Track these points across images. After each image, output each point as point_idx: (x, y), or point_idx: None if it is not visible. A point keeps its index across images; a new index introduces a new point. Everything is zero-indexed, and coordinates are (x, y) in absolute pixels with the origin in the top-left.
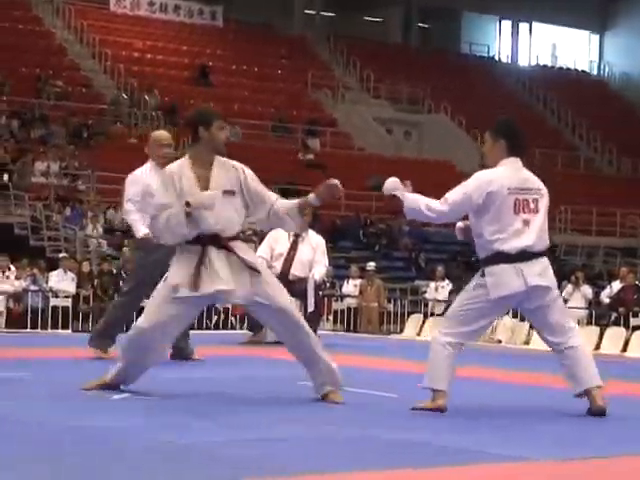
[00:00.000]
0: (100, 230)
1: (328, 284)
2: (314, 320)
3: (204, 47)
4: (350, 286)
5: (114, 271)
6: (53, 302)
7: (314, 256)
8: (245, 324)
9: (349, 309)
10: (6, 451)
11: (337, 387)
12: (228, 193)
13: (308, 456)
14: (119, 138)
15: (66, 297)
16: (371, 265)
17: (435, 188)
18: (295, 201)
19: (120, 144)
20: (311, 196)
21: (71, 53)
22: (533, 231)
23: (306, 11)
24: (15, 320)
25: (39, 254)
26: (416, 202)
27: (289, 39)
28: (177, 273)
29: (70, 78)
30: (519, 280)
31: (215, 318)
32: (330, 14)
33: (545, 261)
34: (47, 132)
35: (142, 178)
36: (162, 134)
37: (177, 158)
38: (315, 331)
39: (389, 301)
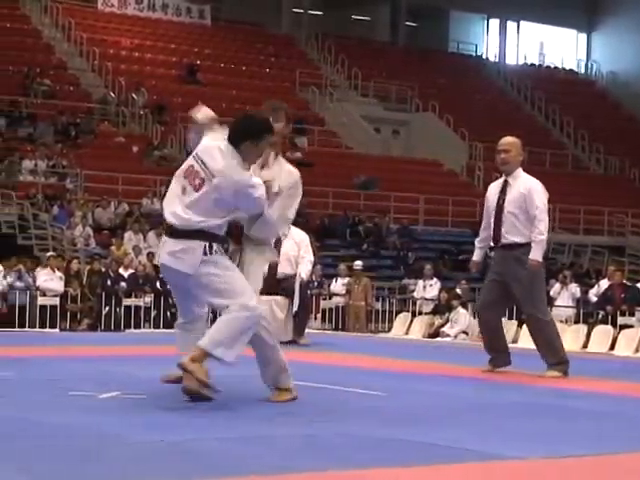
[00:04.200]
0: (88, 229)
1: (316, 283)
2: (302, 318)
3: (192, 46)
4: (338, 285)
5: (102, 270)
6: (41, 301)
7: (299, 252)
8: None
9: (337, 308)
10: None
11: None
12: None
13: (292, 454)
14: (107, 137)
15: (54, 296)
16: (358, 264)
17: (423, 186)
18: None
19: (108, 143)
20: None
21: (59, 51)
22: (182, 205)
23: (294, 10)
24: (2, 319)
25: (27, 253)
26: None
27: (277, 38)
28: None
29: (58, 76)
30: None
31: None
32: (318, 13)
33: (189, 243)
34: (35, 130)
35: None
36: (502, 140)
37: None
38: (303, 329)
39: (377, 300)
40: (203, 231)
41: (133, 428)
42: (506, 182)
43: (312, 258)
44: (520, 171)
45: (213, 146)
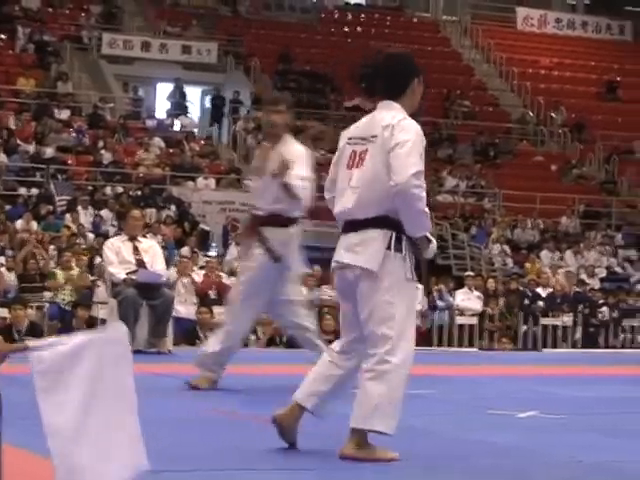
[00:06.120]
0: (505, 247)
1: None
2: None
3: (612, 62)
4: None
5: (520, 289)
6: (459, 320)
7: None
8: None
9: None
10: (421, 460)
11: None
12: None
13: None
14: (525, 156)
15: (472, 315)
16: None
17: None
18: None
19: (526, 162)
20: None
21: (478, 73)
22: (350, 191)
23: None
24: (422, 338)
25: (445, 272)
26: None
27: None
28: None
29: (477, 97)
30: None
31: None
32: None
33: (361, 234)
34: (454, 151)
35: None
36: None
37: None
38: None
39: None
40: (383, 217)
41: (551, 448)
42: None
43: None
44: None
45: (366, 122)
